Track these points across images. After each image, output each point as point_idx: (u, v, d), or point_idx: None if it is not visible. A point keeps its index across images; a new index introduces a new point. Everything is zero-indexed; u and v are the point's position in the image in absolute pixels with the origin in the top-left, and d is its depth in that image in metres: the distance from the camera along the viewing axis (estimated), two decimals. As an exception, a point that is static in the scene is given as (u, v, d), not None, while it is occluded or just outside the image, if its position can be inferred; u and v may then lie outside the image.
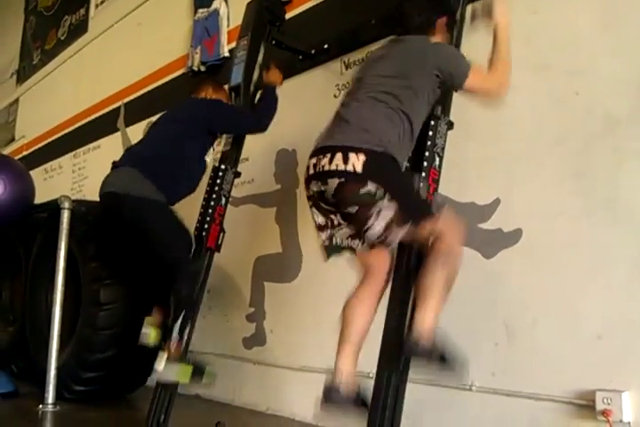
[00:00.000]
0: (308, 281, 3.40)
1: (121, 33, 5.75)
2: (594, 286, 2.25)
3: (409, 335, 2.06)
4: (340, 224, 2.20)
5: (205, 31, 4.44)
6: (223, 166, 3.15)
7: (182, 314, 2.93)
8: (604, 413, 2.09)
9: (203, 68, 4.43)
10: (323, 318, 3.06)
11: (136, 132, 4.76)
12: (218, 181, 3.12)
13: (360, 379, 2.20)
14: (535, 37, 2.55)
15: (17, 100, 8.00)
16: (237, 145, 3.24)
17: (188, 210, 3.16)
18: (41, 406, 3.49)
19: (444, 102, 2.30)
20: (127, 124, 5.37)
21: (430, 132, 2.29)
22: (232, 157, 3.21)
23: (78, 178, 6.10)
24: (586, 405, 2.18)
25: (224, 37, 4.30)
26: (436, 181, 2.28)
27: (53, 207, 3.85)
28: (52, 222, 3.88)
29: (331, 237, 2.22)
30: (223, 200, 3.12)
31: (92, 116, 6.03)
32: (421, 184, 2.24)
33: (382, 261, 2.24)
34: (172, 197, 3.05)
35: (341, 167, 2.04)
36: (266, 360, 3.59)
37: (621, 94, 2.28)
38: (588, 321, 2.24)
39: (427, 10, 2.29)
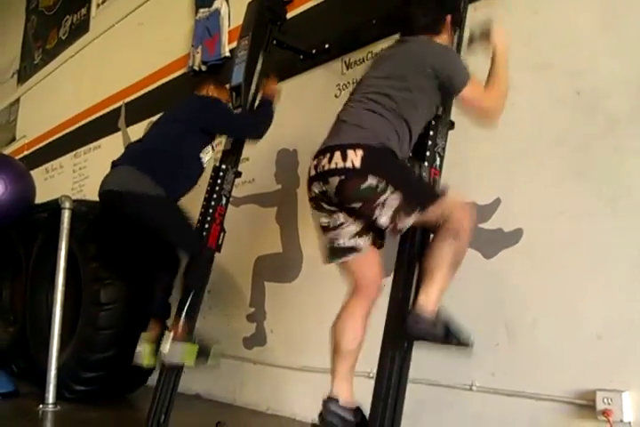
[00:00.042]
0: (308, 281, 3.40)
1: (122, 33, 5.75)
2: (594, 285, 2.25)
3: (412, 309, 2.05)
4: (344, 222, 2.19)
5: (206, 31, 4.44)
6: (224, 166, 3.15)
7: (191, 295, 2.94)
8: (605, 413, 2.09)
9: (204, 68, 4.43)
10: (323, 317, 3.04)
11: (137, 132, 4.75)
12: (218, 180, 3.12)
13: (356, 400, 2.19)
14: (535, 37, 2.55)
15: (18, 100, 8.00)
16: (238, 145, 3.23)
17: (189, 210, 3.16)
18: (41, 405, 3.49)
19: (445, 102, 2.30)
20: (128, 124, 5.37)
21: (431, 132, 2.29)
22: (233, 156, 3.21)
23: (79, 178, 6.10)
24: (586, 405, 2.18)
25: (225, 37, 4.29)
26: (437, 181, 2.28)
27: (54, 207, 3.85)
28: (52, 222, 3.88)
29: (334, 239, 2.21)
30: (224, 200, 3.13)
31: (93, 116, 6.03)
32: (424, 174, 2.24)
33: (373, 271, 2.25)
34: (172, 194, 3.05)
35: (340, 165, 2.05)
36: (266, 360, 3.59)
37: (622, 94, 2.28)
38: (588, 321, 2.24)
39: (432, 10, 2.29)
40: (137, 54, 5.41)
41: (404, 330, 2.04)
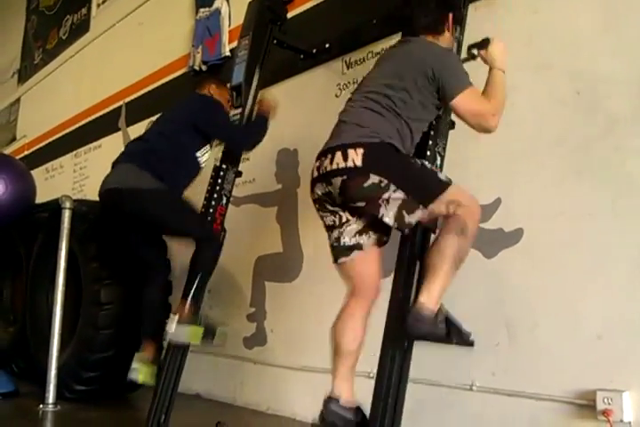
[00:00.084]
0: (308, 281, 3.40)
1: (122, 32, 5.75)
2: (594, 285, 2.25)
3: (412, 307, 2.03)
4: (348, 220, 2.20)
5: (207, 30, 4.45)
6: (224, 166, 3.15)
7: (198, 278, 2.94)
8: (605, 413, 2.09)
9: (204, 68, 4.43)
10: (323, 317, 3.04)
11: (137, 132, 4.74)
12: (219, 180, 3.12)
13: (357, 399, 2.19)
14: (536, 37, 2.55)
15: (18, 100, 8.00)
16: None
17: (189, 210, 3.16)
18: (41, 405, 3.50)
19: (445, 103, 2.30)
20: (128, 124, 5.37)
21: (432, 132, 2.29)
22: (233, 156, 3.21)
23: (79, 178, 6.11)
24: (586, 405, 2.18)
25: (225, 37, 4.30)
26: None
27: (54, 207, 3.85)
28: (53, 222, 3.88)
29: (338, 238, 2.22)
30: (224, 200, 3.12)
31: (93, 116, 6.04)
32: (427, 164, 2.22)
33: (372, 271, 2.25)
34: (172, 190, 3.05)
35: (342, 165, 2.06)
36: (266, 360, 3.59)
37: (622, 94, 2.27)
38: (588, 321, 2.24)
39: (432, 10, 2.28)
40: (137, 54, 5.42)
41: (405, 329, 2.04)
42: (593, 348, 2.21)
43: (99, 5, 6.32)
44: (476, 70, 2.22)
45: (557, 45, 2.49)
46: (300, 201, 3.47)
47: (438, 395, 2.63)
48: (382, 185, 2.03)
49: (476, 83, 2.15)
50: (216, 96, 3.26)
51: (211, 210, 3.08)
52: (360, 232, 2.21)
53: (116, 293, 3.60)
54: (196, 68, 4.48)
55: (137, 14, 5.51)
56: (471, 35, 2.42)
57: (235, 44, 3.65)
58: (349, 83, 3.28)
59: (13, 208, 4.17)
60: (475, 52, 2.30)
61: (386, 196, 2.03)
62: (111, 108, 5.70)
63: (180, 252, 3.37)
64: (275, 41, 3.26)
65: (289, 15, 3.40)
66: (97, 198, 3.18)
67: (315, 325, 3.23)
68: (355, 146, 2.06)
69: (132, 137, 4.98)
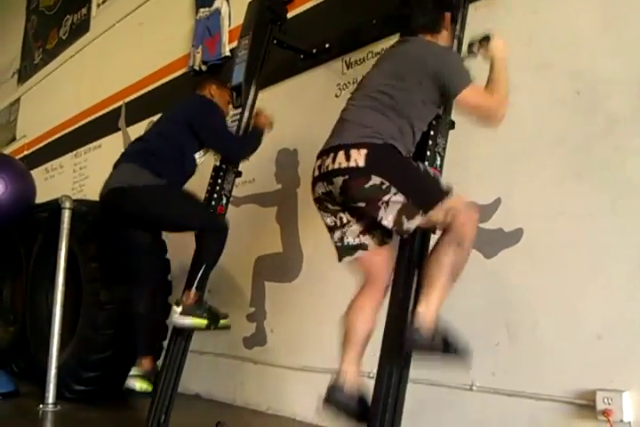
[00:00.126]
0: (308, 281, 3.40)
1: (122, 32, 5.75)
2: (594, 285, 2.25)
3: (411, 323, 2.03)
4: (349, 221, 2.20)
5: (207, 30, 4.45)
6: (224, 166, 3.15)
7: (202, 269, 2.94)
8: (605, 413, 2.09)
9: (204, 68, 4.43)
10: (323, 317, 3.06)
11: (137, 132, 4.75)
12: (219, 180, 3.12)
13: (363, 380, 2.19)
14: (536, 37, 2.55)
15: (18, 100, 8.01)
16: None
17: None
18: (41, 405, 3.50)
19: (446, 102, 2.30)
20: (128, 124, 5.37)
21: (432, 132, 2.29)
22: (232, 158, 3.20)
23: (79, 178, 6.11)
24: (586, 405, 2.18)
25: (225, 37, 4.30)
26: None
27: (54, 207, 3.85)
28: (52, 222, 3.88)
29: (342, 238, 2.22)
30: (224, 200, 3.12)
31: (93, 116, 6.04)
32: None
33: (384, 266, 2.24)
34: (172, 187, 3.05)
35: (344, 165, 2.05)
36: (266, 360, 3.59)
37: (622, 94, 2.27)
38: (588, 321, 2.24)
39: (430, 9, 2.29)
40: (137, 54, 5.42)
41: (403, 344, 2.05)
42: (593, 348, 2.21)
43: (99, 5, 6.32)
44: (476, 67, 2.22)
45: (557, 45, 2.49)
46: (300, 201, 3.47)
47: (438, 395, 2.63)
48: (383, 187, 2.02)
49: (477, 80, 2.16)
50: (216, 97, 3.25)
51: (211, 210, 3.08)
52: (362, 233, 2.21)
53: (116, 293, 3.60)
54: (196, 68, 4.48)
55: (137, 14, 5.51)
56: (471, 35, 2.41)
57: (235, 44, 3.65)
58: (349, 83, 3.28)
59: (13, 208, 4.17)
60: (475, 49, 2.30)
61: (386, 198, 2.02)
62: (111, 108, 5.70)
63: (181, 252, 3.38)
64: (275, 41, 3.27)
65: (289, 15, 3.40)
66: (97, 198, 3.16)
67: (315, 325, 3.24)
68: (358, 146, 2.05)
69: (132, 137, 5.00)
